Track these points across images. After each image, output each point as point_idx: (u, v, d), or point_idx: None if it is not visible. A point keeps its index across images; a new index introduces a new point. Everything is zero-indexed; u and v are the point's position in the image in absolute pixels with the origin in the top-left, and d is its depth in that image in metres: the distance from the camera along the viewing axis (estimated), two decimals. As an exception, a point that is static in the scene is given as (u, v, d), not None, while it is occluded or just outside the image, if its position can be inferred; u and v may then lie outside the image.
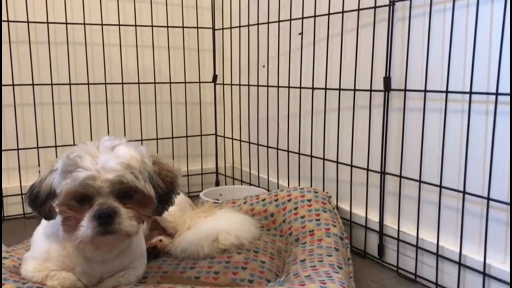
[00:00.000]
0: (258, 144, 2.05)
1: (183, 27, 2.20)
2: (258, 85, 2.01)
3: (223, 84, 2.27)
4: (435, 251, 1.35)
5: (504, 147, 1.17)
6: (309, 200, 1.55)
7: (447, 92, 1.29)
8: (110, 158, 0.96)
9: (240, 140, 2.19)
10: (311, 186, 1.77)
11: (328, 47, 1.66)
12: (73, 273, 1.07)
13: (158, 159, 1.09)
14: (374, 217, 1.55)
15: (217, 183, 2.35)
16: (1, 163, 1.93)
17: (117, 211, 0.95)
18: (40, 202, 1.01)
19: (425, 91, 1.35)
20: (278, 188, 1.92)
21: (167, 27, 2.17)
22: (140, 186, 0.98)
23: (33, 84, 1.92)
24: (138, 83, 2.13)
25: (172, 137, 2.23)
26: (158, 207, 1.05)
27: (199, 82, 2.29)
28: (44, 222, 1.10)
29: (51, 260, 1.07)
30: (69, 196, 0.96)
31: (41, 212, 1.02)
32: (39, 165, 1.96)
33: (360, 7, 1.51)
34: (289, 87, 1.84)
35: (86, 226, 0.95)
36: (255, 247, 1.37)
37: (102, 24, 2.02)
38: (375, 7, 1.46)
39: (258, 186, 2.07)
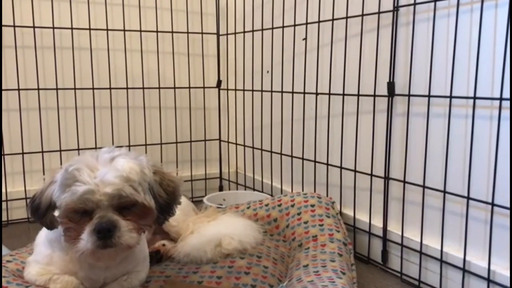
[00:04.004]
0: (261, 149, 2.05)
1: (187, 32, 2.21)
2: (262, 90, 2.02)
3: (227, 89, 2.27)
4: (439, 257, 1.34)
5: (508, 153, 1.17)
6: (313, 206, 1.55)
7: (451, 97, 1.29)
8: (108, 171, 0.96)
9: (244, 145, 2.19)
10: (314, 191, 1.76)
11: (332, 52, 1.66)
12: (76, 277, 1.07)
13: (160, 168, 1.09)
14: (377, 222, 1.55)
15: (221, 188, 2.35)
16: (1, 167, 1.94)
17: (117, 224, 0.95)
18: (41, 213, 1.02)
19: (429, 96, 1.34)
20: (281, 193, 1.92)
21: (172, 32, 2.18)
22: (140, 199, 0.98)
23: (38, 89, 1.94)
24: (143, 88, 2.14)
25: (176, 142, 2.23)
26: (159, 217, 1.05)
27: (204, 87, 2.29)
28: (46, 226, 1.11)
29: (54, 264, 1.08)
30: (68, 210, 0.96)
31: (43, 222, 1.03)
32: (43, 169, 1.97)
33: (364, 12, 1.52)
34: (293, 92, 1.84)
35: (86, 239, 0.95)
36: (258, 252, 1.37)
37: (107, 30, 2.03)
38: (379, 13, 1.47)
39: (262, 191, 2.07)
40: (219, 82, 2.29)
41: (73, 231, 0.97)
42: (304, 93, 1.79)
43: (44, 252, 1.10)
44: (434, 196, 1.37)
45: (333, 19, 1.63)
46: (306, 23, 1.75)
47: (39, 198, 1.02)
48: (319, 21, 1.69)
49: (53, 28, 1.94)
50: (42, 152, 1.97)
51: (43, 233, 1.12)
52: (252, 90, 2.07)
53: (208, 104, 2.33)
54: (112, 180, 0.95)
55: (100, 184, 0.94)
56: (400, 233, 1.46)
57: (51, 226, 1.03)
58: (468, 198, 1.26)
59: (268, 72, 1.99)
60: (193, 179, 2.27)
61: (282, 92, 1.90)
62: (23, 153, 1.95)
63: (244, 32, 2.10)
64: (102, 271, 1.08)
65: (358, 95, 1.56)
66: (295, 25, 1.80)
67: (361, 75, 1.54)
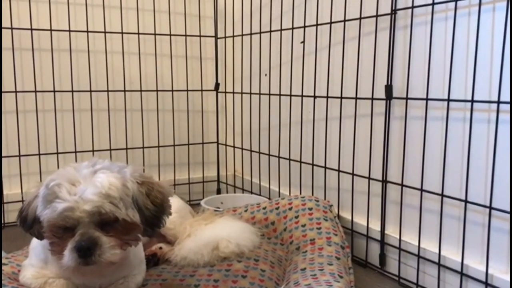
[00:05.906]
0: (259, 152, 2.05)
1: (185, 35, 2.21)
2: (260, 93, 2.01)
3: (225, 92, 2.27)
4: (437, 260, 1.34)
5: (506, 156, 1.17)
6: (310, 209, 1.54)
7: (448, 100, 1.28)
8: (88, 187, 0.95)
9: (242, 148, 2.19)
10: (312, 194, 1.76)
11: (330, 55, 1.66)
12: (71, 281, 1.07)
13: (148, 178, 1.07)
14: (375, 226, 1.54)
15: (219, 191, 2.34)
16: (1, 170, 1.93)
17: (98, 242, 0.94)
18: (28, 225, 1.02)
19: (427, 99, 1.34)
20: (279, 196, 1.92)
21: (170, 35, 2.18)
22: (121, 216, 0.96)
23: (35, 91, 1.93)
24: (141, 90, 2.13)
25: (174, 145, 2.23)
26: (146, 230, 1.03)
27: (201, 90, 2.29)
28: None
29: (49, 269, 1.07)
30: (50, 226, 0.96)
31: (32, 233, 1.03)
32: (40, 172, 1.96)
33: (362, 15, 1.52)
34: (290, 95, 1.84)
35: (68, 257, 0.95)
36: (256, 255, 1.36)
37: (105, 32, 2.03)
38: (377, 16, 1.47)
39: (259, 195, 2.07)
40: (217, 85, 2.29)
41: (57, 246, 0.97)
42: (302, 96, 1.79)
43: (39, 256, 1.10)
44: (432, 199, 1.36)
45: (331, 22, 1.63)
46: (304, 26, 1.75)
47: (26, 211, 1.02)
48: (317, 24, 1.69)
49: (51, 30, 1.93)
50: (39, 154, 1.96)
51: (37, 238, 1.12)
52: (250, 93, 2.07)
53: (206, 107, 2.32)
54: (91, 197, 0.94)
55: (80, 201, 0.93)
56: (398, 237, 1.46)
57: (39, 237, 1.03)
58: (466, 201, 1.26)
59: (266, 75, 1.99)
60: (191, 182, 2.27)
61: (280, 95, 1.90)
62: (19, 156, 1.94)
63: (242, 35, 2.10)
64: (97, 278, 1.07)
65: (356, 98, 1.56)
66: (293, 28, 1.80)
67: (359, 78, 1.54)
